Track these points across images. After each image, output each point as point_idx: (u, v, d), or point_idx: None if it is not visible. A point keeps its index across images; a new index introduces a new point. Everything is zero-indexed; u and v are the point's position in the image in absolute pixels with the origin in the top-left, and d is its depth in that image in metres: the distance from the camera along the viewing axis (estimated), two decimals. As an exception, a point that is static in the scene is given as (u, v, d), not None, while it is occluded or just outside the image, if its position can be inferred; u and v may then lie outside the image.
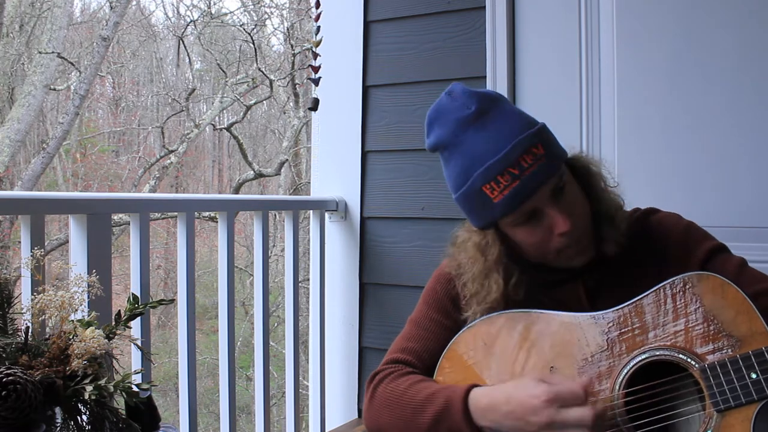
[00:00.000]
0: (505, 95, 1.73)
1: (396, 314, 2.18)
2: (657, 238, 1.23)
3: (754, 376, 1.02)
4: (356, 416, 2.23)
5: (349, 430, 2.10)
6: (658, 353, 1.11)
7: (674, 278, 1.12)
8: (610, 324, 1.15)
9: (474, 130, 1.15)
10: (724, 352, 1.06)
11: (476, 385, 1.17)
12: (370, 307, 2.26)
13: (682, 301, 1.11)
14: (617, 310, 1.15)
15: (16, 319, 1.15)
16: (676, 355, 1.09)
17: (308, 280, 2.48)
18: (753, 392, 1.02)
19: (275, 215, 8.12)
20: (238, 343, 7.37)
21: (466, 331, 1.26)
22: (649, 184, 1.79)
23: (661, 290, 1.13)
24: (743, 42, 1.70)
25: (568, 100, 1.89)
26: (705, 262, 1.20)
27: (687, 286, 1.11)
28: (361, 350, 2.26)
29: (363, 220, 2.26)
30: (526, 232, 1.18)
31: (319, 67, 2.07)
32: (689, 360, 1.08)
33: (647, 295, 1.14)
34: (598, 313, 1.17)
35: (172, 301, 1.50)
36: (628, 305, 1.15)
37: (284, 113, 9.86)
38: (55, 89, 8.47)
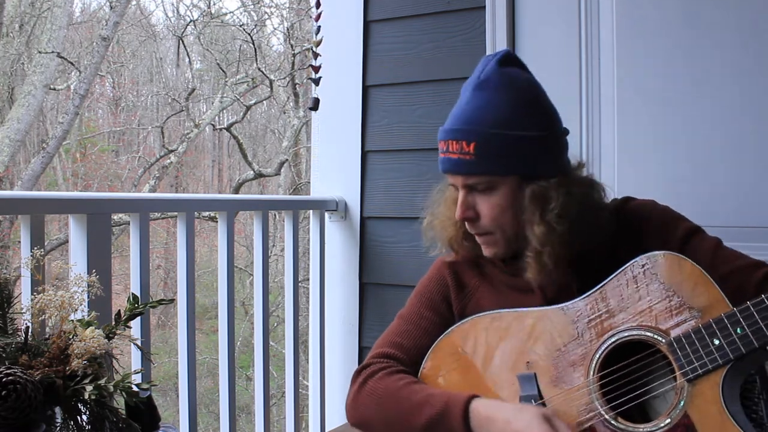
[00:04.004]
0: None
1: (396, 314, 2.17)
2: (637, 222, 1.27)
3: (716, 342, 1.06)
4: (356, 416, 2.23)
5: (349, 430, 2.10)
6: (626, 334, 1.15)
7: (633, 261, 1.17)
8: (579, 313, 1.20)
9: (470, 91, 1.27)
10: (687, 324, 1.11)
11: (477, 396, 1.18)
12: (370, 307, 2.26)
13: (643, 281, 1.16)
14: (584, 298, 1.20)
15: (16, 319, 1.15)
16: (643, 333, 1.14)
17: (308, 280, 2.48)
18: (717, 357, 1.06)
19: (275, 215, 8.11)
20: (238, 343, 7.37)
21: (444, 339, 1.31)
22: (649, 183, 1.79)
23: (623, 274, 1.18)
24: (745, 38, 1.70)
25: (568, 100, 1.88)
26: (684, 241, 1.23)
27: (646, 267, 1.16)
28: (361, 350, 2.26)
29: (363, 220, 2.26)
30: (454, 200, 1.32)
31: (320, 66, 2.06)
32: (656, 336, 1.13)
33: (610, 280, 1.19)
34: (566, 304, 1.21)
35: (172, 301, 1.50)
36: (593, 293, 1.19)
37: (284, 113, 9.86)
38: (55, 89, 8.47)
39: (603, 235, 1.25)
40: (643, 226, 1.26)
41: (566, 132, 1.31)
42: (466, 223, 1.29)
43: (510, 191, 1.24)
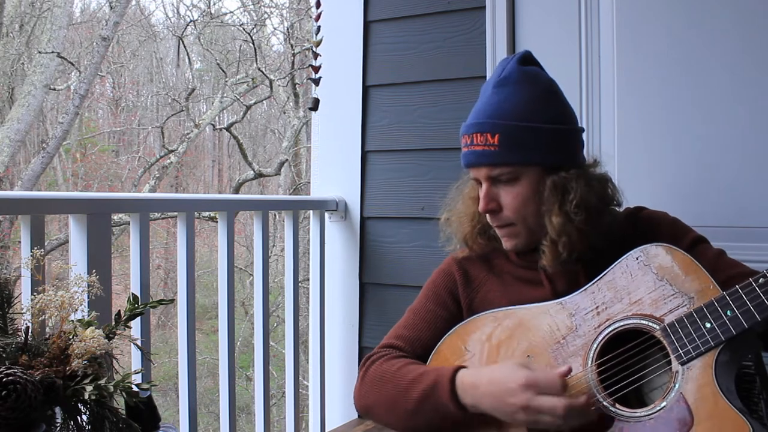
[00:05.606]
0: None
1: (396, 314, 2.16)
2: (648, 231, 1.30)
3: (708, 325, 1.10)
4: (356, 416, 2.23)
5: (349, 430, 2.10)
6: (622, 323, 1.19)
7: (627, 254, 1.21)
8: (576, 306, 1.24)
9: (491, 89, 1.31)
10: (680, 310, 1.14)
11: (463, 367, 1.24)
12: (370, 307, 2.26)
13: (637, 272, 1.20)
14: (581, 292, 1.24)
15: (16, 319, 1.15)
16: (639, 321, 1.17)
17: (308, 280, 2.48)
18: (709, 339, 1.09)
19: (275, 215, 8.11)
20: (238, 343, 7.37)
21: (449, 337, 1.35)
22: (650, 183, 1.79)
23: (618, 267, 1.22)
24: (746, 39, 1.70)
25: (568, 99, 1.88)
26: (690, 247, 1.27)
27: (639, 258, 1.20)
28: (361, 350, 2.26)
29: (363, 220, 2.26)
30: (471, 197, 1.38)
31: (320, 67, 2.07)
32: (651, 324, 1.16)
33: (606, 273, 1.23)
34: (564, 298, 1.25)
35: (172, 301, 1.50)
36: (590, 286, 1.24)
37: (284, 113, 9.85)
38: (55, 89, 8.46)
39: (616, 233, 1.29)
40: (655, 233, 1.30)
41: (582, 130, 1.36)
42: (488, 216, 1.32)
43: (532, 182, 1.28)
